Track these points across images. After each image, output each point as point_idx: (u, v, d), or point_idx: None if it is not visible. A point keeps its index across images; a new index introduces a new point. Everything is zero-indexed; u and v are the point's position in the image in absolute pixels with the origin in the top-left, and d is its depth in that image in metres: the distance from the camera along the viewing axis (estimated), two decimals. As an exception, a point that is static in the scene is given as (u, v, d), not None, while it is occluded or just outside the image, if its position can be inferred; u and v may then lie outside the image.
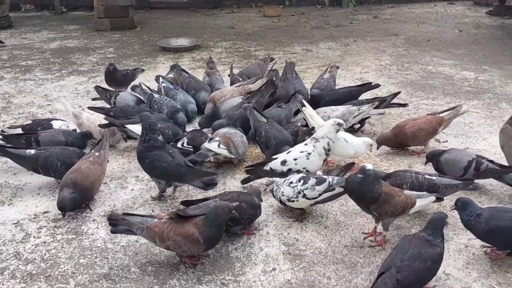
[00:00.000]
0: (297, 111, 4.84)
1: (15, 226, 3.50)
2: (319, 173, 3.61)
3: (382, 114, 4.99)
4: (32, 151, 3.91)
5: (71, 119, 4.75)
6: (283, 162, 3.80)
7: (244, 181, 3.94)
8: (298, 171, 3.75)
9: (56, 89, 6.30)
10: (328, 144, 3.86)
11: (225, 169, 4.22)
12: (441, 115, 4.52)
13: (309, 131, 4.21)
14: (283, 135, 4.23)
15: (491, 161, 3.78)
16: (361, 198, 3.17)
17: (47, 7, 11.84)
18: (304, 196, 3.42)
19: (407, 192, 3.29)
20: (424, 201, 3.27)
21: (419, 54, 7.75)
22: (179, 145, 4.14)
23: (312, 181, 3.44)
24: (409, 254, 2.71)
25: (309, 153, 3.81)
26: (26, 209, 3.72)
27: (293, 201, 3.45)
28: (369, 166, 3.12)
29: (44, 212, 3.65)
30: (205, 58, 7.60)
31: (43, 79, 6.74)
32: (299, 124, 4.39)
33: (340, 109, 4.69)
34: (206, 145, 4.01)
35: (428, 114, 4.66)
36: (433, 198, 3.28)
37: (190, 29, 9.72)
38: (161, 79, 5.46)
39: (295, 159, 3.80)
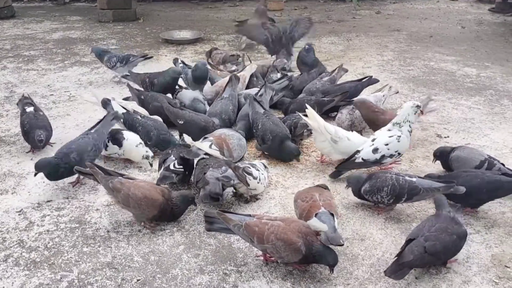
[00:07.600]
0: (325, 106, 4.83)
1: (19, 214, 3.52)
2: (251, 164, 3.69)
3: (397, 92, 5.16)
4: None
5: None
6: (375, 150, 3.77)
7: (332, 176, 3.91)
8: (392, 156, 3.78)
9: (59, 79, 6.31)
10: (410, 127, 3.84)
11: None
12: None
13: (307, 125, 4.15)
14: (280, 129, 4.18)
15: (502, 164, 3.70)
16: None
17: (50, -3, 11.84)
18: None
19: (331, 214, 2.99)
20: (317, 223, 2.93)
21: (421, 50, 7.76)
22: (171, 166, 3.71)
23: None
24: (436, 227, 2.90)
25: (399, 136, 3.79)
26: (29, 197, 3.74)
27: None
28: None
29: (48, 201, 3.67)
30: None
31: (46, 69, 6.75)
32: (298, 116, 4.36)
33: (369, 98, 4.68)
34: (198, 144, 3.88)
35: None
36: (325, 228, 2.87)
37: (192, 22, 9.71)
38: (179, 61, 5.63)
39: (386, 144, 3.77)
